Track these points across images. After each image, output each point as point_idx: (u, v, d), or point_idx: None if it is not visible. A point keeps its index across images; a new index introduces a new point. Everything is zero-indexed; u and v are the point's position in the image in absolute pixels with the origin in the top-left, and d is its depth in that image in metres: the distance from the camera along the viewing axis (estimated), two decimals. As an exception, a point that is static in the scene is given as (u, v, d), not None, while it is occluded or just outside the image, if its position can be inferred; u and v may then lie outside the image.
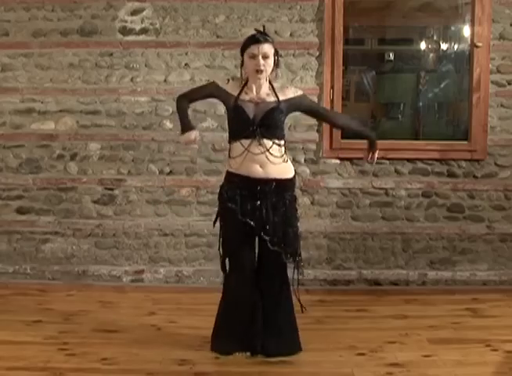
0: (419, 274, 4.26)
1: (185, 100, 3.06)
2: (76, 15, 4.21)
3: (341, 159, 4.25)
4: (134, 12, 4.20)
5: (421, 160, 4.25)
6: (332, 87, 4.18)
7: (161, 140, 4.24)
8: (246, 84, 2.95)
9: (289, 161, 3.01)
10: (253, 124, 2.87)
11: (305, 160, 4.25)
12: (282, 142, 2.96)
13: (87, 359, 2.94)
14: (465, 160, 4.25)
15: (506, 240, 4.27)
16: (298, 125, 4.21)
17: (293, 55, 4.19)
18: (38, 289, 4.11)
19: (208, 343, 3.13)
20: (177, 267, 4.28)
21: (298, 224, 3.04)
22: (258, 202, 2.91)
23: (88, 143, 4.27)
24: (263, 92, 2.93)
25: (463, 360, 2.93)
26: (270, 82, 2.96)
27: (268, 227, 2.90)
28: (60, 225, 4.30)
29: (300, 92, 3.03)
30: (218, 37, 4.18)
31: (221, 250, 3.04)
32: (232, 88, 2.96)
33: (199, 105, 4.19)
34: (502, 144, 4.24)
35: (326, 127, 4.18)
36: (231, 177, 2.97)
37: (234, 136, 2.94)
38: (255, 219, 2.91)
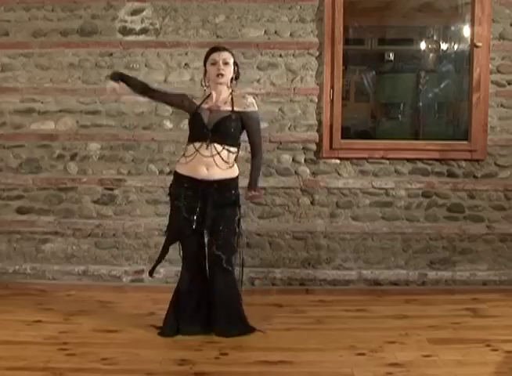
0: (419, 274, 4.26)
1: (149, 89, 3.40)
2: (76, 15, 4.21)
3: (341, 159, 4.25)
4: (134, 12, 4.21)
5: (421, 160, 4.25)
6: (332, 87, 4.18)
7: (161, 140, 4.25)
8: (208, 95, 3.29)
9: (235, 166, 3.28)
10: (206, 129, 3.18)
11: (305, 160, 4.25)
12: (234, 149, 3.25)
13: (87, 359, 2.94)
14: (465, 160, 4.25)
15: (506, 240, 4.27)
16: (298, 125, 4.22)
17: (293, 55, 4.20)
18: (38, 289, 4.11)
19: (208, 343, 3.15)
20: (177, 267, 4.24)
21: (237, 220, 3.29)
22: (200, 201, 3.21)
23: (88, 143, 4.27)
24: (221, 100, 3.26)
25: (463, 360, 2.93)
26: (232, 92, 3.28)
27: (206, 222, 3.21)
28: (60, 226, 4.30)
29: (253, 109, 3.29)
30: (218, 37, 4.18)
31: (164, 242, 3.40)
32: (198, 101, 3.31)
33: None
34: (502, 144, 4.23)
35: (326, 127, 4.18)
36: (178, 177, 3.29)
37: (190, 139, 3.26)
38: (198, 216, 3.21)
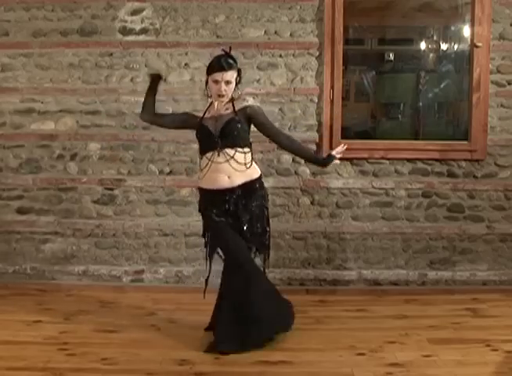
0: (419, 274, 4.26)
1: (157, 114, 3.42)
2: (76, 15, 4.21)
3: (341, 159, 4.22)
4: (134, 12, 4.21)
5: (421, 160, 4.25)
6: (332, 87, 4.18)
7: (161, 140, 4.25)
8: (210, 104, 3.24)
9: (254, 165, 3.24)
10: (214, 136, 3.14)
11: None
12: (246, 149, 3.20)
13: (87, 359, 2.94)
14: (465, 160, 4.24)
15: (506, 240, 4.26)
16: (298, 125, 4.22)
17: (293, 55, 4.20)
18: (38, 289, 4.11)
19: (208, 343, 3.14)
20: (177, 267, 4.28)
21: (265, 219, 3.27)
22: (227, 207, 3.15)
23: (88, 143, 4.27)
24: (223, 107, 3.21)
25: (463, 360, 2.93)
26: (232, 98, 3.22)
27: (244, 229, 3.17)
28: (60, 226, 4.30)
29: (252, 103, 3.40)
30: (218, 37, 4.18)
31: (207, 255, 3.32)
32: (200, 112, 3.28)
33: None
34: (502, 144, 4.23)
35: (326, 127, 4.18)
36: (201, 191, 3.27)
37: (201, 151, 3.24)
38: (229, 219, 3.16)
